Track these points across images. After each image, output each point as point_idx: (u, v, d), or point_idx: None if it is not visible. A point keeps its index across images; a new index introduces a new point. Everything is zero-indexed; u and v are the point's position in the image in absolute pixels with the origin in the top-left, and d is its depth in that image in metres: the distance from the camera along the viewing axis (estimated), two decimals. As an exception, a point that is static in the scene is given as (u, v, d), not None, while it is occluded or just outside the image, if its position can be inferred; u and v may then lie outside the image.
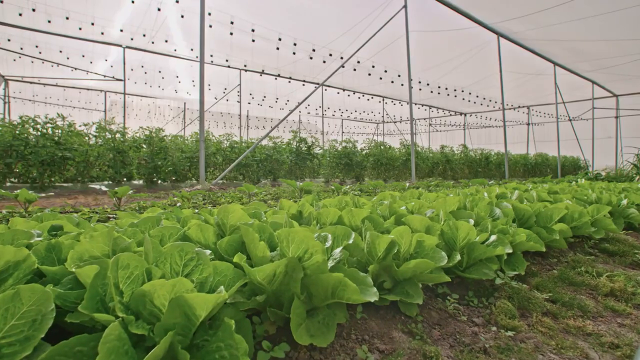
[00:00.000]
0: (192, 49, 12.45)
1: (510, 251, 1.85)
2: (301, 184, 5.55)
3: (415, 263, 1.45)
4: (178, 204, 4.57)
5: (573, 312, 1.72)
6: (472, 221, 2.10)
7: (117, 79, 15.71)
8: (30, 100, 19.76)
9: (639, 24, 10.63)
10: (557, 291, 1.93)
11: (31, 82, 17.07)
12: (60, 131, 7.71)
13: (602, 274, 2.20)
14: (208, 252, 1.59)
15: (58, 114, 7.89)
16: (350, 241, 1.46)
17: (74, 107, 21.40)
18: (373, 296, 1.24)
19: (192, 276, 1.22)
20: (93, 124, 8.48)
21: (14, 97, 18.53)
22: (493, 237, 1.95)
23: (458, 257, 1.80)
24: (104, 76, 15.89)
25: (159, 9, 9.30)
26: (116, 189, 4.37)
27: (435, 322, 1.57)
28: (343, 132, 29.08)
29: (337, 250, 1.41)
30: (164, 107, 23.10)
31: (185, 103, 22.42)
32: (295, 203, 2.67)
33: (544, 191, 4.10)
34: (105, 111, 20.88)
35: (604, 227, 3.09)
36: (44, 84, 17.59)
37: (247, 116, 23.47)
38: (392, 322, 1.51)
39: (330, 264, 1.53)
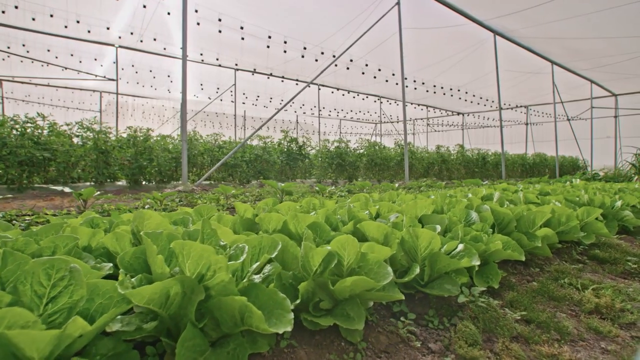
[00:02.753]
0: (181, 48, 12.21)
1: (478, 262, 1.60)
2: (282, 185, 5.30)
3: (352, 281, 1.20)
4: (147, 207, 4.33)
5: (549, 335, 1.47)
6: (439, 227, 1.85)
7: (110, 79, 15.50)
8: (23, 101, 19.57)
9: (637, 21, 10.37)
10: (534, 308, 1.68)
11: (22, 82, 16.86)
12: (40, 131, 7.49)
13: (587, 287, 1.94)
14: (108, 265, 1.35)
15: (38, 113, 7.67)
16: (274, 254, 1.22)
17: (68, 108, 21.20)
18: (286, 325, 1.00)
19: (59, 300, 0.98)
20: (76, 123, 8.25)
21: (7, 98, 18.34)
22: (460, 247, 1.70)
23: (417, 270, 1.55)
24: (96, 76, 15.67)
25: (144, 6, 9.06)
26: (81, 190, 4.13)
27: (383, 349, 1.32)
28: (341, 133, 28.83)
29: (255, 266, 1.17)
30: (158, 107, 22.87)
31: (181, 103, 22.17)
32: (252, 207, 2.43)
33: (533, 192, 3.85)
34: (100, 112, 20.63)
35: (594, 231, 2.84)
36: (36, 84, 17.37)
37: (244, 116, 23.25)
38: (328, 351, 1.26)
39: (256, 280, 1.29)
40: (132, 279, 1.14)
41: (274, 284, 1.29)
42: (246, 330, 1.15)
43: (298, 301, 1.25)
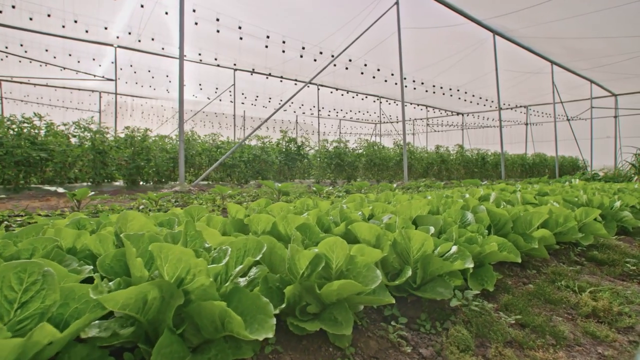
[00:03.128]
0: (178, 47, 12.16)
1: (472, 265, 1.56)
2: (279, 185, 5.26)
3: (339, 284, 1.16)
4: (142, 207, 4.29)
5: (544, 340, 1.43)
6: (432, 229, 1.81)
7: (109, 79, 15.46)
8: (22, 101, 19.54)
9: (637, 21, 10.33)
10: (529, 312, 1.64)
11: (20, 83, 16.83)
12: (37, 131, 7.46)
13: (585, 289, 1.90)
14: (89, 268, 1.31)
15: (35, 113, 7.63)
16: (258, 257, 1.18)
17: (67, 108, 21.16)
18: (267, 331, 0.96)
19: (30, 305, 0.94)
20: (73, 123, 8.22)
21: (6, 98, 18.32)
22: (454, 249, 1.66)
23: (409, 273, 1.51)
24: (94, 76, 15.63)
25: (142, 6, 9.02)
26: (75, 191, 4.10)
27: (372, 355, 1.28)
28: (340, 133, 28.79)
29: (238, 269, 1.13)
30: (157, 108, 22.82)
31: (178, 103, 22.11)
32: (245, 208, 2.39)
33: (531, 193, 3.81)
34: (99, 112, 20.57)
35: (593, 232, 2.80)
36: (34, 84, 17.33)
37: (243, 116, 23.21)
38: (314, 356, 1.22)
39: (242, 283, 1.25)
40: (110, 283, 1.10)
41: (259, 287, 1.25)
42: (229, 336, 1.11)
43: (284, 305, 1.22)
